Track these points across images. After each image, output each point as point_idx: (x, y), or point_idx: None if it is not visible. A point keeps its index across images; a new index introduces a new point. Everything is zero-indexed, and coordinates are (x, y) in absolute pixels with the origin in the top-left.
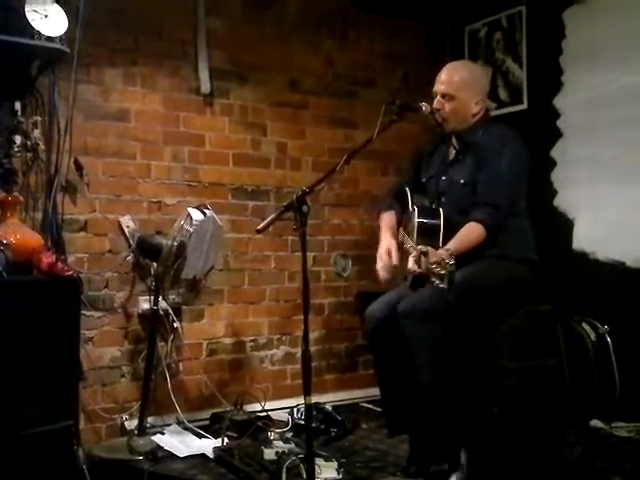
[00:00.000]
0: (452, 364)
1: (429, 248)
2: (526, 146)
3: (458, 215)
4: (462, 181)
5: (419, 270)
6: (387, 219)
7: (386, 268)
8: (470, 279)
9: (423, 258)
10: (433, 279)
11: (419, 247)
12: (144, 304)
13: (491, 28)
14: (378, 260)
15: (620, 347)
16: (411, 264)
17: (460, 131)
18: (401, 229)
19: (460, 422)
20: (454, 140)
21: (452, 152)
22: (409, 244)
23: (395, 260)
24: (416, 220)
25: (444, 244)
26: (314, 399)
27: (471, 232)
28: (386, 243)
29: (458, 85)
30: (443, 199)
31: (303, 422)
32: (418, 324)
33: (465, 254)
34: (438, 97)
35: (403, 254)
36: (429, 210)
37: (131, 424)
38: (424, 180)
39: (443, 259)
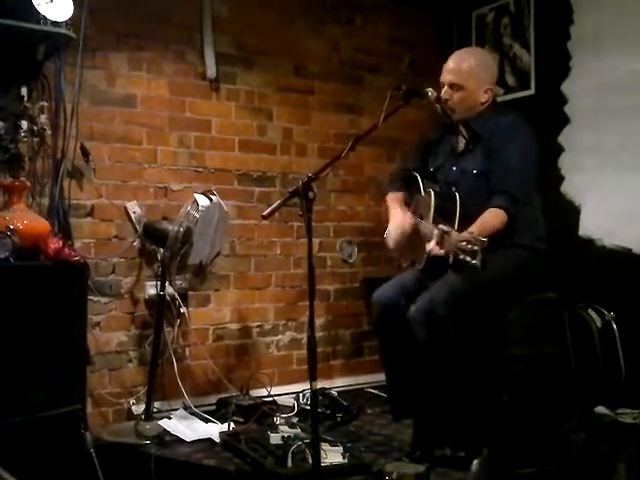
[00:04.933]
0: (462, 354)
1: (451, 229)
2: (535, 134)
3: (471, 203)
4: (475, 171)
5: (442, 252)
6: (395, 196)
7: (401, 233)
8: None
9: (446, 237)
10: (463, 256)
11: (440, 226)
12: (151, 289)
13: (499, 13)
14: (390, 227)
15: (626, 334)
16: (432, 245)
17: (469, 120)
18: (410, 213)
19: (471, 408)
20: (463, 130)
21: (461, 142)
22: (425, 227)
23: (408, 227)
24: (433, 203)
25: (459, 228)
26: (320, 384)
27: (493, 217)
28: (401, 214)
29: (467, 74)
30: (454, 188)
31: (309, 407)
32: (432, 330)
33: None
34: (446, 87)
35: (413, 239)
36: (445, 194)
37: (138, 408)
38: (432, 169)
39: (473, 236)
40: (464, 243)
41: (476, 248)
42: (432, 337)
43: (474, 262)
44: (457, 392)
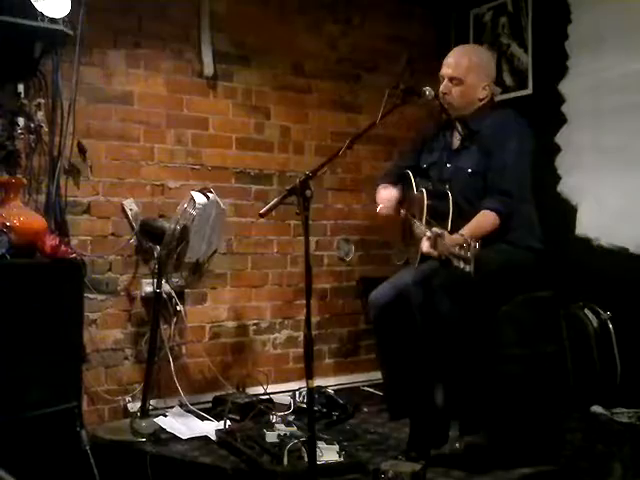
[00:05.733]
0: (456, 346)
1: (444, 231)
2: (532, 133)
3: (465, 202)
4: (469, 170)
5: (436, 253)
6: (385, 190)
7: (388, 201)
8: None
9: (440, 240)
10: (456, 263)
11: (434, 229)
12: (147, 287)
13: (496, 12)
14: (379, 198)
15: (622, 333)
16: (426, 247)
17: (465, 117)
18: (403, 210)
19: (467, 406)
20: (459, 126)
21: (457, 138)
22: (418, 227)
23: (396, 194)
24: (426, 203)
25: (452, 228)
26: (316, 383)
27: (485, 220)
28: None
29: (466, 69)
30: (447, 186)
31: (305, 405)
32: (429, 297)
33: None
34: (445, 81)
35: (406, 236)
36: (438, 193)
37: (134, 406)
38: (425, 166)
39: (466, 241)
40: (457, 248)
41: (469, 255)
42: (425, 303)
43: (467, 269)
44: (450, 377)
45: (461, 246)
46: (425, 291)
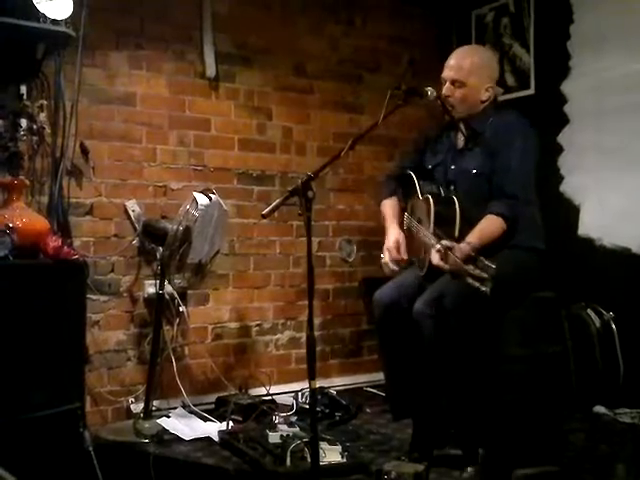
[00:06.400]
0: (463, 351)
1: (454, 243)
2: (536, 134)
3: (470, 204)
4: (474, 171)
5: (447, 267)
6: (391, 206)
7: (394, 262)
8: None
9: (450, 254)
10: (472, 281)
11: (443, 242)
12: (150, 288)
13: (498, 13)
14: (386, 252)
15: (625, 334)
16: (436, 260)
17: (469, 118)
18: (406, 214)
19: (470, 407)
20: (462, 127)
21: (461, 140)
22: (426, 235)
23: (404, 255)
24: (433, 210)
25: (459, 233)
26: (318, 383)
27: (491, 225)
28: (394, 235)
29: (468, 71)
30: (452, 187)
31: (307, 406)
32: (438, 323)
33: (485, 247)
34: (447, 83)
35: (411, 240)
36: (444, 199)
37: (137, 407)
38: (430, 167)
39: (481, 260)
40: (471, 267)
41: (485, 276)
42: (437, 330)
43: (484, 289)
44: (457, 390)
45: (475, 264)
46: (437, 320)
